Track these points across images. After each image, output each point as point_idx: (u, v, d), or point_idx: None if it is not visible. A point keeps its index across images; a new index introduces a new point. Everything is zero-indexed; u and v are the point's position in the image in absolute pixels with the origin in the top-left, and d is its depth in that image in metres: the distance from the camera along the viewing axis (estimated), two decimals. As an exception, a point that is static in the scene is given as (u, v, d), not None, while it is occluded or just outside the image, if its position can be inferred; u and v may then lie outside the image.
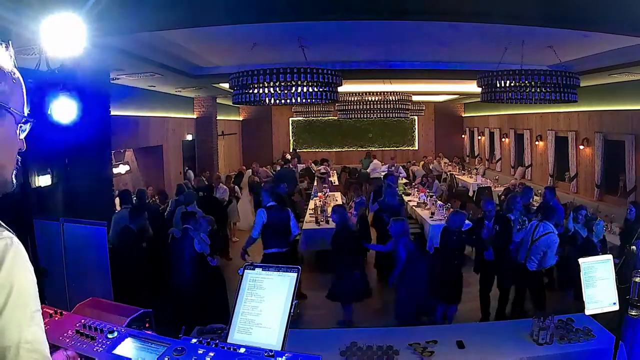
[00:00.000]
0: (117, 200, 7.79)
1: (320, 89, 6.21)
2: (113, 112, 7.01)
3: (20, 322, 0.95)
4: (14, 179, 1.08)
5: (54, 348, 2.04)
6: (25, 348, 0.95)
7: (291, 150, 19.28)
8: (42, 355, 0.99)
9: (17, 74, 1.07)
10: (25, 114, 1.09)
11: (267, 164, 16.43)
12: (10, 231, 1.01)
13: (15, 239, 1.00)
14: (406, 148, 20.37)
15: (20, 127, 1.08)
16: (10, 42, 1.08)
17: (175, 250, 5.81)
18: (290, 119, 19.70)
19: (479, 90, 7.09)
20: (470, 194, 13.34)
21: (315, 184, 13.86)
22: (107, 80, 7.00)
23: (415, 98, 12.71)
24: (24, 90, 1.10)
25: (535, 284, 6.03)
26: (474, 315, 6.30)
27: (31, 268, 1.01)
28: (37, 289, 1.01)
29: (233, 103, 7.00)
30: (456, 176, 15.49)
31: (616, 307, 2.90)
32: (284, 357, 1.73)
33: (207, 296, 5.60)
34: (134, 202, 7.64)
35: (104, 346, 2.03)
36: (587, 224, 6.06)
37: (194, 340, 1.88)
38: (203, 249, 5.76)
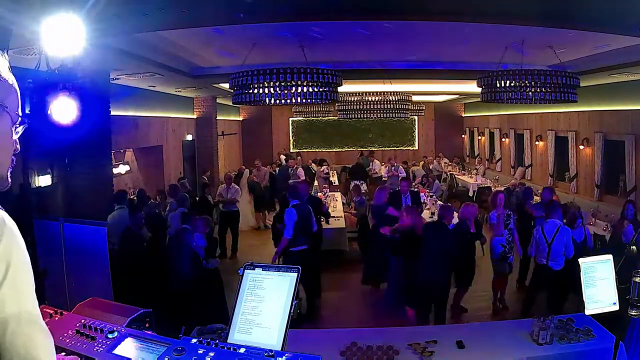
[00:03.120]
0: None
1: (320, 89, 6.21)
2: (113, 112, 7.00)
3: (19, 294, 0.99)
4: (9, 177, 1.12)
5: (55, 349, 2.04)
6: (26, 319, 0.99)
7: (289, 151, 19.27)
8: (41, 326, 1.03)
9: (12, 79, 1.12)
10: (20, 116, 1.13)
11: (267, 164, 16.41)
12: (1, 209, 1.04)
13: (7, 217, 1.04)
14: (406, 148, 20.35)
15: (15, 128, 1.12)
16: (5, 50, 1.13)
17: (172, 250, 5.79)
18: (290, 119, 19.69)
19: (479, 90, 7.09)
20: (470, 194, 13.34)
21: (315, 183, 13.86)
22: (107, 80, 6.99)
23: (415, 98, 12.70)
24: (19, 94, 1.14)
25: (558, 284, 5.90)
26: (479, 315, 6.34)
27: (24, 246, 1.04)
28: (30, 266, 1.05)
29: (233, 103, 7.00)
30: (456, 176, 15.50)
31: (616, 307, 2.90)
32: (284, 357, 1.73)
33: (204, 296, 5.59)
34: (129, 202, 7.63)
35: (104, 346, 2.03)
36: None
37: (194, 340, 1.88)
38: (198, 252, 5.73)
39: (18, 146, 1.14)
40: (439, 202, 10.37)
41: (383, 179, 14.47)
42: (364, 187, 12.77)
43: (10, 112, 1.09)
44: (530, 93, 6.35)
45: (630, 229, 6.24)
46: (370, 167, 15.94)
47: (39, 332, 1.02)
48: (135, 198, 8.90)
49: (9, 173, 1.12)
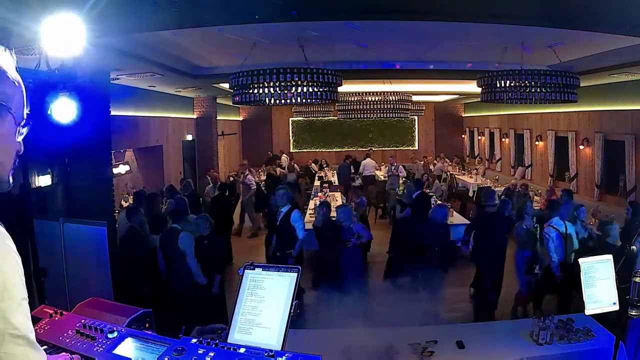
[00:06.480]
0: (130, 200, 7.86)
1: (320, 89, 6.21)
2: (113, 112, 7.00)
3: (6, 310, 0.97)
4: (10, 179, 1.10)
5: (55, 349, 2.04)
6: (11, 334, 0.98)
7: (289, 151, 19.26)
8: (28, 341, 1.02)
9: (18, 79, 1.10)
10: (25, 117, 1.11)
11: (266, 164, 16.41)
12: None
13: (1, 228, 1.02)
14: (406, 148, 20.37)
15: (19, 129, 1.11)
16: (13, 49, 1.11)
17: (161, 250, 5.73)
18: (290, 119, 19.71)
19: (479, 90, 7.09)
20: (470, 194, 13.34)
21: (317, 183, 13.85)
22: (107, 80, 6.99)
23: (415, 98, 12.71)
24: (24, 95, 1.12)
25: (558, 282, 5.87)
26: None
27: (17, 257, 1.02)
28: (23, 278, 1.03)
29: (233, 103, 7.00)
30: (456, 176, 15.49)
31: (616, 307, 2.90)
32: (284, 357, 1.73)
33: (203, 297, 5.54)
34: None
35: (104, 346, 2.03)
36: (602, 229, 5.92)
37: (194, 340, 1.87)
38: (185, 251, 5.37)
39: (22, 147, 1.12)
40: (439, 202, 10.36)
41: (383, 178, 14.45)
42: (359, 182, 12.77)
43: (15, 113, 1.07)
44: (530, 93, 6.35)
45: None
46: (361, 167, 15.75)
47: (26, 348, 1.00)
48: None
49: (10, 174, 1.10)
